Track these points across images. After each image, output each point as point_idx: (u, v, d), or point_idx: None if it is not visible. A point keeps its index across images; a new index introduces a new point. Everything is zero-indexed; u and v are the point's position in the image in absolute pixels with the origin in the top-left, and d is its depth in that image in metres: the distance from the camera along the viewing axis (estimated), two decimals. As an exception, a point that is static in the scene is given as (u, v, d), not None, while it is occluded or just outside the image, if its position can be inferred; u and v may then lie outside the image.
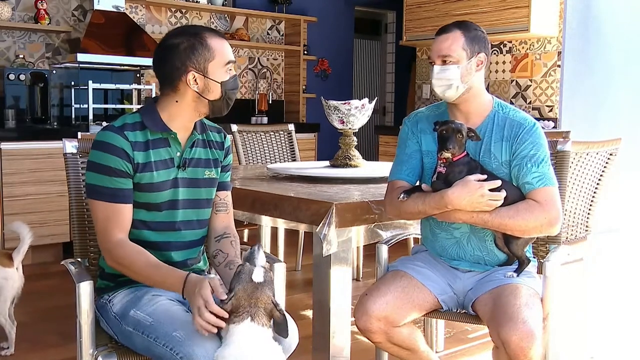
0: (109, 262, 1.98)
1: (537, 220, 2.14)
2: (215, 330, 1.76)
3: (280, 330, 1.80)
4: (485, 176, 2.15)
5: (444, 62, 2.25)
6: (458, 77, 2.23)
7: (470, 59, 2.24)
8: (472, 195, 2.11)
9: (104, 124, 5.13)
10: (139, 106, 5.75)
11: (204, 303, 1.74)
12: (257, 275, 1.78)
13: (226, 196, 2.23)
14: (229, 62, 2.01)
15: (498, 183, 2.14)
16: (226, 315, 1.75)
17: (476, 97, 2.29)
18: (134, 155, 1.96)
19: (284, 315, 1.79)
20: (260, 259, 1.83)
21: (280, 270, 2.19)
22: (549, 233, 2.20)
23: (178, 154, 2.05)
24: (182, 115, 2.03)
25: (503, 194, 2.13)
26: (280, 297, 2.10)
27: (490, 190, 2.12)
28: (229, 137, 2.26)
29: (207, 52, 1.96)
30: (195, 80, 1.97)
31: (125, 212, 1.97)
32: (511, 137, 2.24)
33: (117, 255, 1.94)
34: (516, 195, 2.19)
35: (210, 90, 1.99)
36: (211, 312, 1.73)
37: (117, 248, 1.93)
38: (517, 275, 2.23)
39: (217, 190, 2.19)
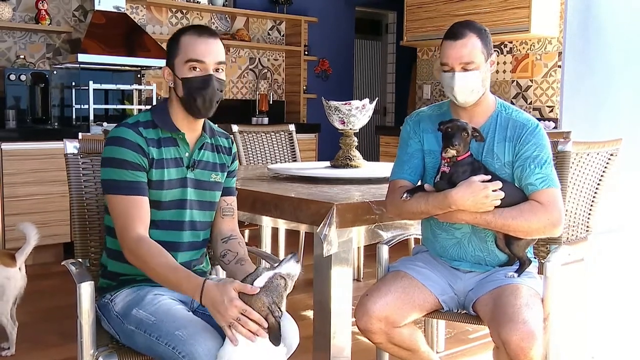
0: (128, 258, 1.95)
1: (539, 222, 2.14)
2: (255, 339, 1.74)
3: (271, 337, 1.76)
4: (489, 177, 2.15)
5: (465, 69, 2.20)
6: (480, 82, 2.22)
7: (486, 62, 2.24)
8: (476, 196, 2.10)
9: (105, 124, 5.14)
10: (140, 107, 5.77)
11: (239, 312, 1.73)
12: (259, 281, 1.78)
13: (232, 201, 2.25)
14: (190, 60, 1.98)
15: (499, 185, 2.13)
16: (265, 324, 1.74)
17: (485, 98, 2.29)
18: (148, 150, 1.98)
19: (279, 323, 1.77)
20: (286, 267, 1.81)
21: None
22: (551, 235, 2.20)
23: (187, 154, 2.07)
24: (179, 114, 2.06)
25: (502, 194, 2.13)
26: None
27: (494, 191, 2.12)
28: (235, 143, 2.28)
29: (176, 48, 2.01)
30: (169, 74, 2.03)
31: (144, 205, 1.97)
32: (514, 137, 2.24)
33: (137, 252, 1.91)
34: (518, 196, 2.18)
35: (177, 86, 2.03)
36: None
37: (137, 244, 1.91)
38: (518, 276, 2.23)
39: (224, 196, 2.21)
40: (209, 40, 2.00)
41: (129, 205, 1.94)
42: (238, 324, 1.73)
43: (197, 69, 1.99)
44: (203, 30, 2.02)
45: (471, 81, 2.20)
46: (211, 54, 2.00)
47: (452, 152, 2.16)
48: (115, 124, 2.08)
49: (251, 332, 1.73)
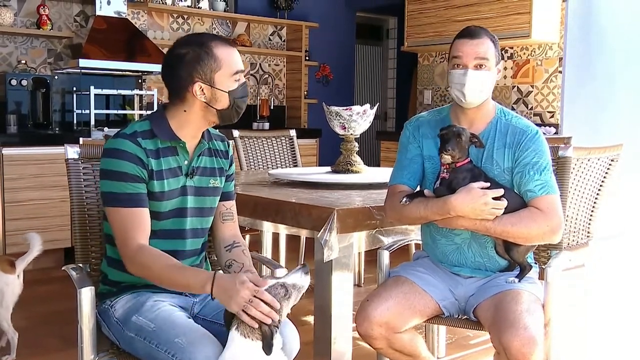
0: (130, 269, 1.94)
1: (539, 228, 2.14)
2: (269, 321, 1.74)
3: (264, 344, 1.75)
4: (488, 184, 2.15)
5: (478, 67, 2.21)
6: (490, 84, 2.23)
7: (496, 66, 2.25)
8: (475, 203, 2.10)
9: (106, 129, 5.14)
10: (141, 112, 5.78)
11: (251, 293, 1.73)
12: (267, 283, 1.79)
13: (232, 206, 2.24)
14: (237, 72, 1.99)
15: (501, 192, 2.13)
16: (277, 305, 1.75)
17: (486, 103, 2.30)
18: (148, 162, 1.95)
19: (272, 332, 1.76)
20: (292, 278, 1.82)
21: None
22: (550, 241, 2.20)
23: (186, 162, 2.05)
24: (191, 124, 2.03)
25: (504, 203, 2.13)
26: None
27: (493, 198, 2.12)
28: (231, 144, 2.27)
29: (213, 62, 1.95)
30: (202, 90, 1.96)
31: (144, 216, 1.95)
32: (514, 144, 2.24)
33: (139, 260, 1.90)
34: (518, 202, 2.18)
35: (217, 100, 1.98)
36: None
37: (138, 254, 1.90)
38: (519, 281, 2.23)
39: (223, 200, 2.20)
40: (236, 49, 2.03)
41: (129, 218, 1.93)
42: (250, 306, 1.72)
43: (239, 79, 2.01)
44: (226, 39, 2.03)
45: (483, 80, 2.21)
46: (241, 61, 2.04)
47: (446, 157, 2.16)
48: (115, 129, 2.06)
49: (264, 313, 1.73)
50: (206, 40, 1.98)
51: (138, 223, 1.93)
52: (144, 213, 1.95)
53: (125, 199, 1.93)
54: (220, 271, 1.83)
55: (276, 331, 1.78)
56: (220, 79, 1.97)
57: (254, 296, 1.73)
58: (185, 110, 2.01)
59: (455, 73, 2.23)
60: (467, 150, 2.18)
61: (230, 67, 1.98)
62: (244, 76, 2.05)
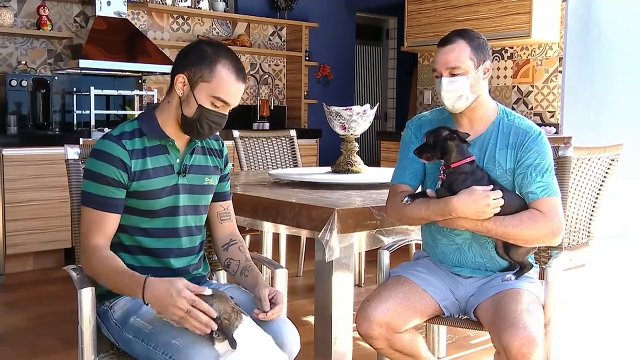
0: (83, 266, 1.99)
1: (540, 231, 2.14)
2: (209, 331, 1.74)
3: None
4: (491, 186, 2.14)
5: (452, 74, 2.21)
6: (467, 88, 2.21)
7: (477, 68, 2.22)
8: (477, 205, 2.10)
9: (106, 130, 5.13)
10: (141, 112, 5.76)
11: (189, 303, 1.72)
12: (207, 292, 1.78)
13: (228, 205, 2.26)
14: (220, 99, 1.95)
15: (500, 194, 2.13)
16: (214, 314, 1.73)
17: (482, 104, 2.29)
18: (131, 164, 1.96)
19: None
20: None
21: (282, 276, 2.19)
22: (550, 243, 2.20)
23: (177, 160, 2.06)
24: (170, 120, 2.03)
25: (501, 201, 2.13)
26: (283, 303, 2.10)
27: (494, 199, 2.12)
28: (225, 144, 2.27)
29: (207, 71, 1.94)
30: (183, 86, 1.97)
31: (110, 221, 1.97)
32: (516, 145, 2.24)
33: (90, 260, 1.94)
34: (519, 204, 2.18)
35: (188, 104, 1.97)
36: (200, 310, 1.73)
37: (91, 253, 1.93)
38: (516, 278, 2.23)
39: (220, 201, 2.21)
40: (241, 86, 1.98)
41: (95, 219, 1.95)
42: (189, 317, 1.73)
43: (219, 107, 1.97)
44: (240, 71, 1.97)
45: (458, 86, 2.20)
46: (237, 98, 1.99)
47: (423, 160, 2.21)
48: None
49: (202, 323, 1.73)
50: (222, 55, 1.96)
51: (102, 225, 1.96)
52: (112, 218, 1.97)
53: (97, 201, 1.95)
54: (152, 277, 1.80)
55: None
56: (201, 90, 1.95)
57: (192, 306, 1.73)
58: (168, 102, 2.02)
59: (436, 82, 2.27)
60: (452, 152, 2.17)
61: (217, 90, 1.94)
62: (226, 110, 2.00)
